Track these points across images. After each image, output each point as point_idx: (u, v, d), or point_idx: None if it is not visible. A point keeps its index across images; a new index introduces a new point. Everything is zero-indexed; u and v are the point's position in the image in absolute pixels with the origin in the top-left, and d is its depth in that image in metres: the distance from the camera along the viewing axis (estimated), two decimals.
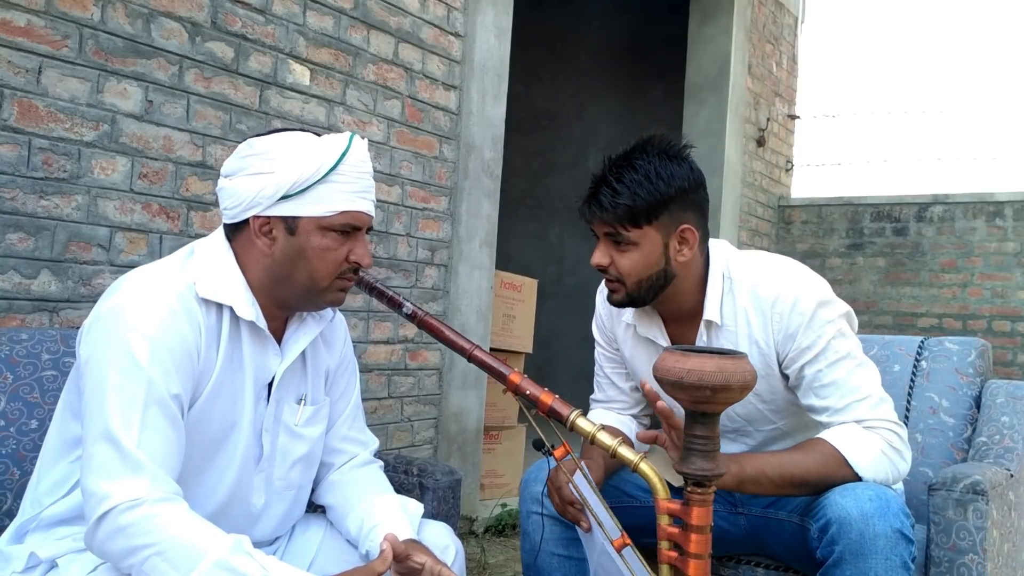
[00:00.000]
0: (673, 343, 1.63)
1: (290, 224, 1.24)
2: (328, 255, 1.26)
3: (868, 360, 1.54)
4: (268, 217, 1.24)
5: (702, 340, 1.58)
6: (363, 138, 1.31)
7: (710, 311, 1.55)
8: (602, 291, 1.76)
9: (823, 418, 1.51)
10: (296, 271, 1.26)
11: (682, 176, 1.49)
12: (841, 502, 1.36)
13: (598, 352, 1.80)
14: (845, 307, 1.55)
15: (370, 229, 1.32)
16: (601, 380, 1.81)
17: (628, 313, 1.66)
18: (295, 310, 1.34)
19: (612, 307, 1.71)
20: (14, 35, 1.83)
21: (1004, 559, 1.60)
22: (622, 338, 1.72)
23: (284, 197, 1.23)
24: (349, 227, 1.26)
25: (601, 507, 1.33)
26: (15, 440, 1.42)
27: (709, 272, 1.57)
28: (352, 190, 1.25)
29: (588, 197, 1.52)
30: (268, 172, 1.23)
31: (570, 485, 1.49)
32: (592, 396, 1.83)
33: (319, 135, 1.28)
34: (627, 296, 1.54)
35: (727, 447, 1.68)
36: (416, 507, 1.38)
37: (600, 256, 1.53)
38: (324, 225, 1.24)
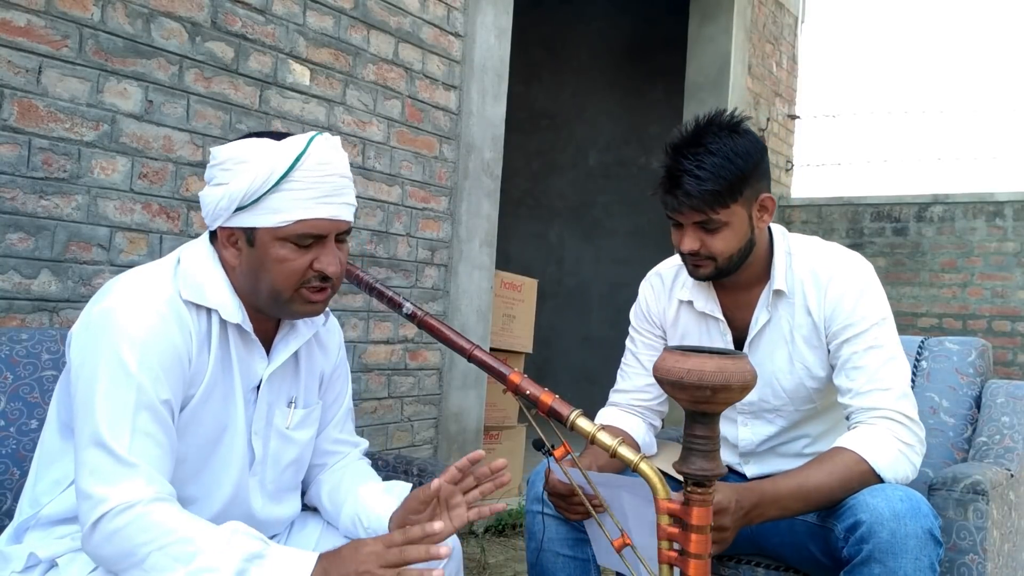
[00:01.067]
0: (727, 316, 1.68)
1: (249, 235, 1.21)
2: (287, 266, 1.21)
3: (903, 357, 1.57)
4: (231, 228, 1.22)
5: (765, 309, 1.63)
6: (334, 135, 1.26)
7: (779, 280, 1.61)
8: (650, 277, 1.81)
9: (846, 399, 1.56)
10: (259, 282, 1.23)
11: (752, 149, 1.54)
12: (872, 502, 1.37)
13: (634, 340, 1.81)
14: (887, 303, 1.62)
15: (348, 232, 1.26)
16: (629, 370, 1.81)
17: (685, 291, 1.71)
18: (275, 317, 1.32)
19: (662, 291, 1.77)
20: (14, 35, 1.83)
21: (1004, 559, 1.60)
22: (673, 319, 1.75)
23: (239, 208, 1.19)
24: (309, 237, 1.20)
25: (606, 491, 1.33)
26: (15, 440, 1.42)
27: (775, 243, 1.64)
28: (310, 196, 1.19)
29: (670, 187, 1.53)
30: (224, 183, 1.20)
31: (560, 474, 1.48)
32: (614, 388, 1.84)
33: (280, 138, 1.22)
34: (716, 270, 1.58)
35: (760, 429, 1.70)
36: (402, 487, 1.38)
37: (690, 242, 1.56)
38: (280, 236, 1.19)
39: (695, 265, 1.59)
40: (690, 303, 1.71)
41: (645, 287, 1.82)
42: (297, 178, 1.18)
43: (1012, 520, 1.65)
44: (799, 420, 1.68)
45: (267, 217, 1.18)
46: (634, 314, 1.82)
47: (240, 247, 1.23)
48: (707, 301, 1.69)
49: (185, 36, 2.18)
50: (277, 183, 1.17)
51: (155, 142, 2.12)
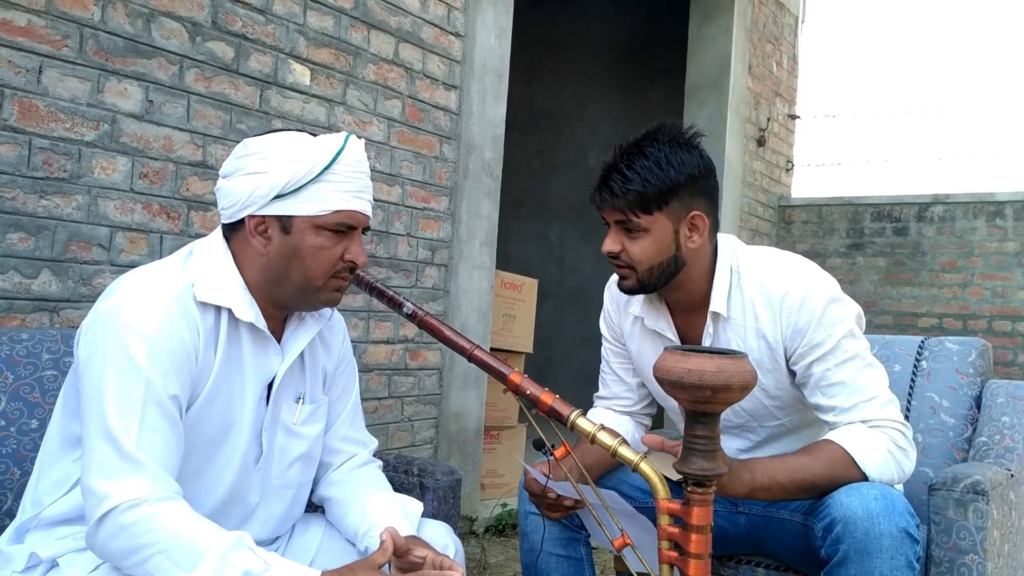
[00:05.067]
0: (680, 336, 1.63)
1: (285, 223, 1.25)
2: (322, 254, 1.26)
3: (876, 361, 1.54)
4: (263, 216, 1.25)
5: (708, 332, 1.58)
6: (361, 138, 1.31)
7: (716, 303, 1.56)
8: (610, 286, 1.77)
9: (829, 417, 1.51)
10: (291, 270, 1.26)
11: (692, 163, 1.50)
12: (847, 501, 1.36)
13: (605, 348, 1.80)
14: (856, 307, 1.56)
15: (367, 229, 1.32)
16: (607, 377, 1.81)
17: (636, 306, 1.67)
18: (292, 310, 1.34)
19: (620, 302, 1.73)
20: (14, 35, 1.83)
21: (1004, 559, 1.60)
22: (628, 332, 1.72)
23: (278, 196, 1.23)
24: (344, 226, 1.26)
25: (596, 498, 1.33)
26: (15, 440, 1.42)
27: (717, 264, 1.58)
28: (347, 189, 1.25)
29: (599, 184, 1.52)
30: (262, 171, 1.23)
31: (536, 474, 1.48)
32: (596, 393, 1.83)
33: (315, 135, 1.28)
34: (638, 282, 1.54)
35: (730, 443, 1.68)
36: (416, 506, 1.38)
37: (611, 243, 1.53)
38: (318, 224, 1.25)
39: (620, 276, 1.57)
40: (642, 319, 1.67)
41: (607, 295, 1.79)
42: (337, 171, 1.24)
43: (1012, 520, 1.65)
44: (769, 436, 1.66)
45: (308, 206, 1.24)
46: (602, 321, 1.81)
47: (271, 236, 1.26)
48: (658, 319, 1.64)
49: (185, 36, 2.18)
50: (320, 174, 1.23)
51: (155, 142, 2.12)
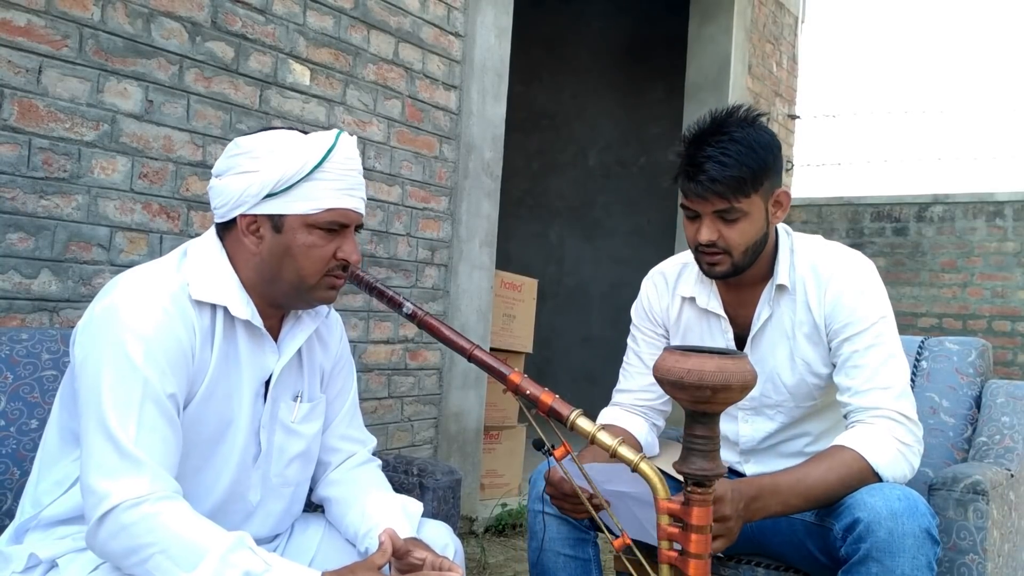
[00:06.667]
0: (729, 314, 1.68)
1: (276, 222, 1.25)
2: (315, 252, 1.26)
3: (903, 356, 1.57)
4: (255, 215, 1.25)
5: (766, 306, 1.63)
6: (353, 135, 1.30)
7: (782, 275, 1.62)
8: (652, 275, 1.81)
9: (845, 397, 1.56)
10: (284, 269, 1.26)
11: (772, 142, 1.56)
12: (870, 501, 1.37)
13: (636, 339, 1.80)
14: (890, 309, 1.62)
15: (360, 227, 1.32)
16: (631, 369, 1.80)
17: (687, 287, 1.72)
18: (288, 308, 1.34)
19: (665, 287, 1.77)
20: (14, 35, 1.83)
21: (1004, 559, 1.60)
22: (676, 317, 1.75)
23: (269, 195, 1.23)
24: (336, 224, 1.26)
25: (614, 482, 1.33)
26: (15, 440, 1.42)
27: (779, 240, 1.65)
28: (338, 187, 1.25)
29: (693, 174, 1.52)
30: (253, 170, 1.23)
31: (566, 473, 1.48)
32: (616, 387, 1.83)
33: (307, 133, 1.28)
34: (732, 266, 1.58)
35: (758, 425, 1.70)
36: (416, 506, 1.38)
37: (708, 233, 1.55)
38: (310, 222, 1.25)
39: (711, 263, 1.58)
40: (692, 300, 1.71)
41: (647, 284, 1.81)
42: (328, 169, 1.24)
43: (1012, 520, 1.65)
44: (800, 417, 1.68)
45: (299, 204, 1.23)
46: (635, 312, 1.82)
47: (263, 235, 1.26)
48: (710, 298, 1.68)
49: (185, 36, 2.18)
50: (310, 172, 1.23)
51: (155, 142, 2.12)
